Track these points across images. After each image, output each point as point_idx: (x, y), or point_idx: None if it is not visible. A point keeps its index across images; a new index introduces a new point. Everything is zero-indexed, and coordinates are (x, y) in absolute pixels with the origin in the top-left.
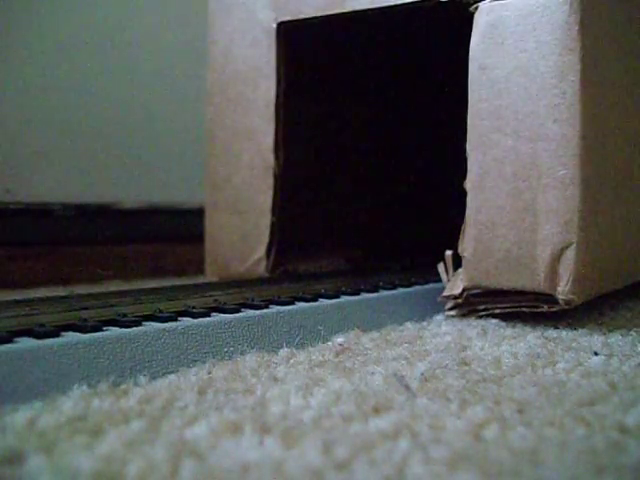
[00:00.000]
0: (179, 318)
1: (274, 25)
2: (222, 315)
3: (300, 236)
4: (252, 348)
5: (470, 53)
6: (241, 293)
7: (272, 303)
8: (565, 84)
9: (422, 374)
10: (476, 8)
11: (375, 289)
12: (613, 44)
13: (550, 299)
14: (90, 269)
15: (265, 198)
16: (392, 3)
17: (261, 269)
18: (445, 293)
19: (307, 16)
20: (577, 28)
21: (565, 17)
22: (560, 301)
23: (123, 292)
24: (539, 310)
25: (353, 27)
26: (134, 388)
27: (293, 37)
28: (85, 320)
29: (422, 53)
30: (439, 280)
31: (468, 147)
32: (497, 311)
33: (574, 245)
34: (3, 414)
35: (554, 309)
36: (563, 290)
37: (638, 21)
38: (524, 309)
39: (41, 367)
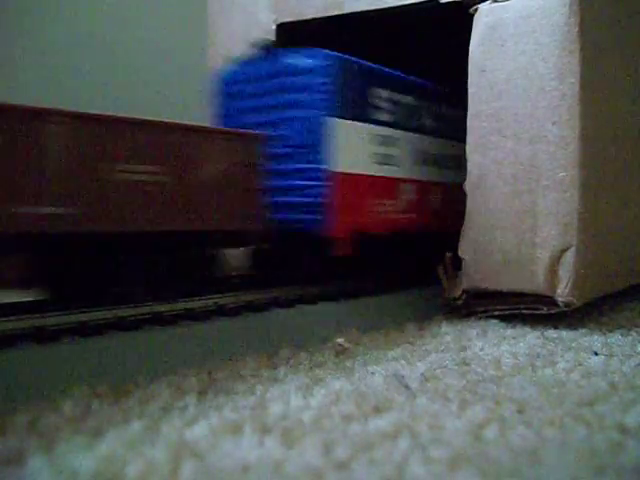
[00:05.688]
0: (180, 320)
1: (274, 27)
2: (223, 317)
3: None
4: (252, 349)
5: (470, 55)
6: (241, 295)
7: (272, 304)
8: (565, 86)
9: (422, 374)
10: (476, 10)
11: (375, 290)
12: (612, 46)
13: (550, 301)
14: None
15: None
16: (391, 5)
17: None
18: (445, 295)
19: (307, 17)
20: (576, 30)
21: (565, 19)
22: (560, 303)
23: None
24: (538, 312)
25: (352, 29)
26: (134, 389)
27: (293, 38)
28: (85, 322)
29: (421, 55)
30: (439, 281)
31: (468, 149)
32: (496, 313)
33: (573, 247)
34: (3, 414)
35: (553, 311)
36: (563, 292)
37: (637, 22)
38: (523, 311)
39: (41, 368)
